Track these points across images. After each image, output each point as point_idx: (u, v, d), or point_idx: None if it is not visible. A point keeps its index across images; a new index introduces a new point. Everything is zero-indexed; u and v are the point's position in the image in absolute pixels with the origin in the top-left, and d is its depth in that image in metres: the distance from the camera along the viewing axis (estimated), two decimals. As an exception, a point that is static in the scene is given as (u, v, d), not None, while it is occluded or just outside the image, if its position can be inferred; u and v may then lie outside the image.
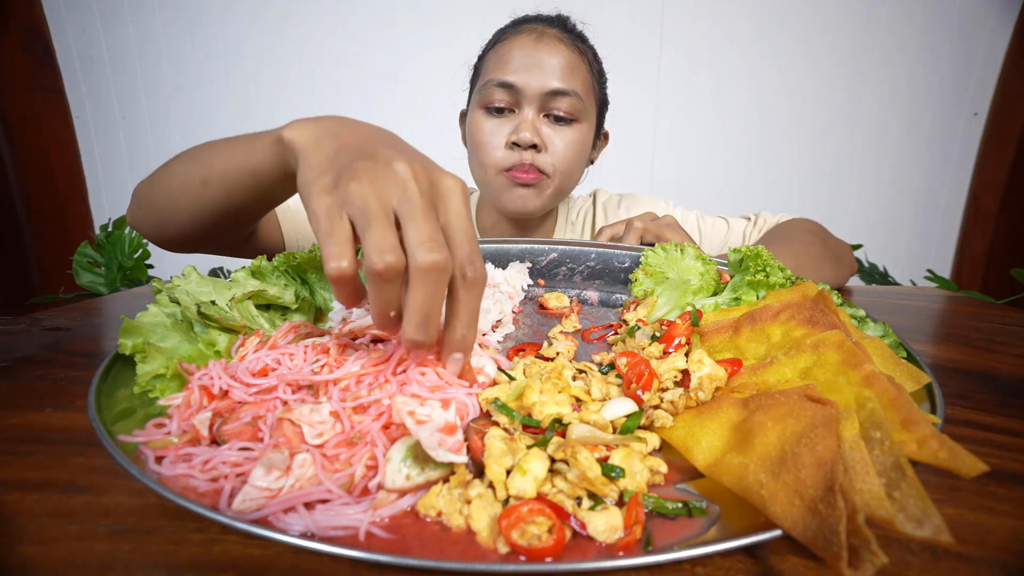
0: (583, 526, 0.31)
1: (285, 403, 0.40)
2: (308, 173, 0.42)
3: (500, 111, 0.93)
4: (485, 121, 0.94)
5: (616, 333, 0.62)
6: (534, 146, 0.91)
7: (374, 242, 0.36)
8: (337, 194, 0.38)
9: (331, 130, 0.45)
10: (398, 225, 0.38)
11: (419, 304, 0.37)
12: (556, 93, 0.90)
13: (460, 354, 0.42)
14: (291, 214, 0.93)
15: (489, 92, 0.92)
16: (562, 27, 0.95)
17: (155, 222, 0.71)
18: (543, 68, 0.90)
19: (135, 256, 1.67)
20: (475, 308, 0.40)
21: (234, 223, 0.68)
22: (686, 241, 0.80)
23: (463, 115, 1.07)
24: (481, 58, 1.00)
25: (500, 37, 0.97)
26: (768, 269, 0.60)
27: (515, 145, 0.91)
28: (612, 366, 0.50)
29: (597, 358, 0.55)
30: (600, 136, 1.07)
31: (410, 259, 0.37)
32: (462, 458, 0.34)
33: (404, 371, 0.42)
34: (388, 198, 0.38)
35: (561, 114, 0.91)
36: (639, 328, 0.57)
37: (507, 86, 0.90)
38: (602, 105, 1.03)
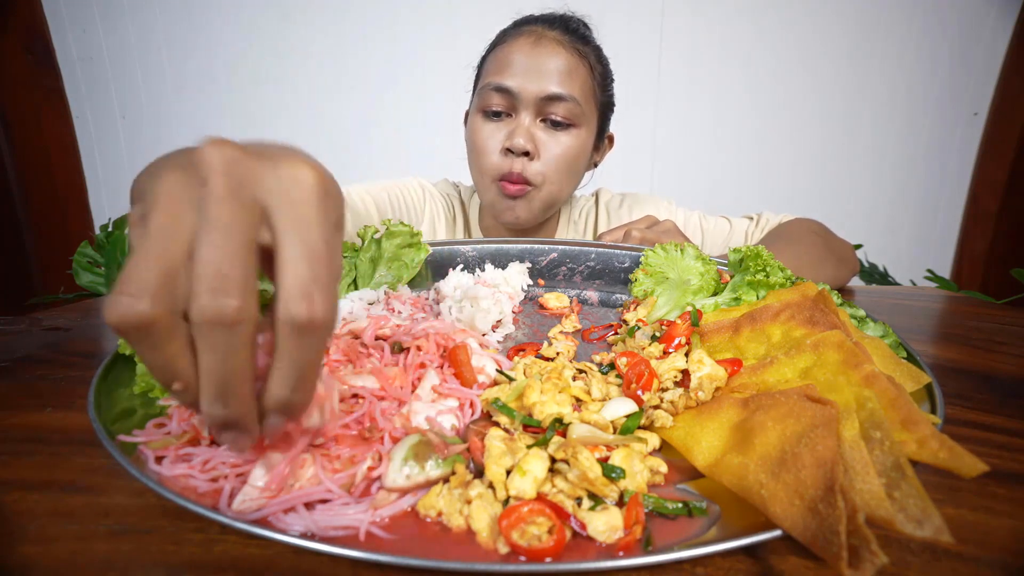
0: (583, 526, 0.31)
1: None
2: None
3: (497, 115, 0.93)
4: (483, 125, 0.94)
5: (616, 333, 0.62)
6: (527, 153, 0.90)
7: (117, 281, 0.24)
8: (139, 206, 0.27)
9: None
10: None
11: (206, 369, 0.26)
12: (553, 98, 0.89)
13: (278, 418, 0.29)
14: None
15: (487, 96, 0.92)
16: (564, 28, 0.94)
17: None
18: (541, 72, 0.89)
19: (135, 256, 1.66)
20: (302, 363, 0.27)
21: None
22: None
23: (467, 116, 1.07)
24: (482, 60, 1.00)
25: (501, 39, 0.97)
26: (768, 269, 0.60)
27: (509, 151, 0.91)
28: (612, 366, 0.50)
29: (597, 358, 0.55)
30: (604, 139, 1.06)
31: (187, 306, 0.25)
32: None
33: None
34: (183, 204, 0.26)
35: (558, 119, 0.91)
36: (639, 328, 0.57)
37: (504, 90, 0.90)
38: (606, 108, 1.01)
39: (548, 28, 0.93)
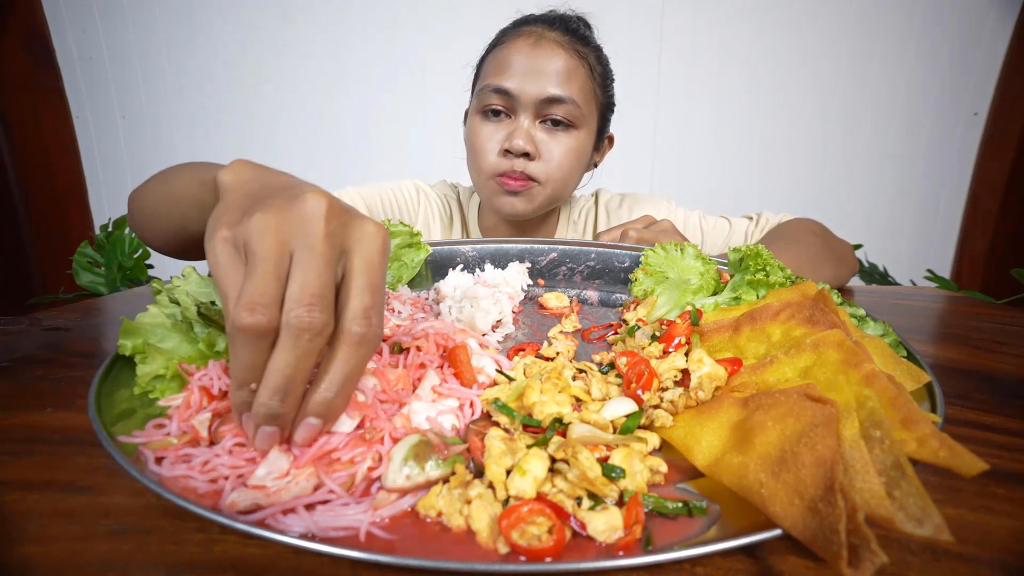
0: (583, 526, 0.31)
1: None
2: (219, 208, 0.36)
3: (496, 116, 0.93)
4: (482, 126, 0.94)
5: (616, 333, 0.62)
6: (526, 154, 0.90)
7: (247, 292, 0.31)
8: (238, 229, 0.33)
9: (262, 175, 0.40)
10: None
11: (279, 366, 0.31)
12: (552, 100, 0.89)
13: (316, 420, 0.34)
14: None
15: (486, 97, 0.92)
16: (564, 29, 0.94)
17: (140, 233, 0.73)
18: (540, 74, 0.89)
19: (135, 256, 1.67)
20: (351, 371, 0.33)
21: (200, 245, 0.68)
22: None
23: (467, 116, 1.07)
24: (482, 60, 1.00)
25: (500, 39, 0.97)
26: (768, 268, 0.60)
27: (508, 152, 0.91)
28: (612, 366, 0.50)
29: (597, 358, 0.55)
30: (604, 139, 1.05)
31: (283, 314, 0.31)
32: None
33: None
34: (287, 236, 0.32)
35: (558, 118, 0.91)
36: (639, 328, 0.57)
37: (503, 92, 0.90)
38: (606, 109, 1.01)
39: (548, 29, 0.93)
